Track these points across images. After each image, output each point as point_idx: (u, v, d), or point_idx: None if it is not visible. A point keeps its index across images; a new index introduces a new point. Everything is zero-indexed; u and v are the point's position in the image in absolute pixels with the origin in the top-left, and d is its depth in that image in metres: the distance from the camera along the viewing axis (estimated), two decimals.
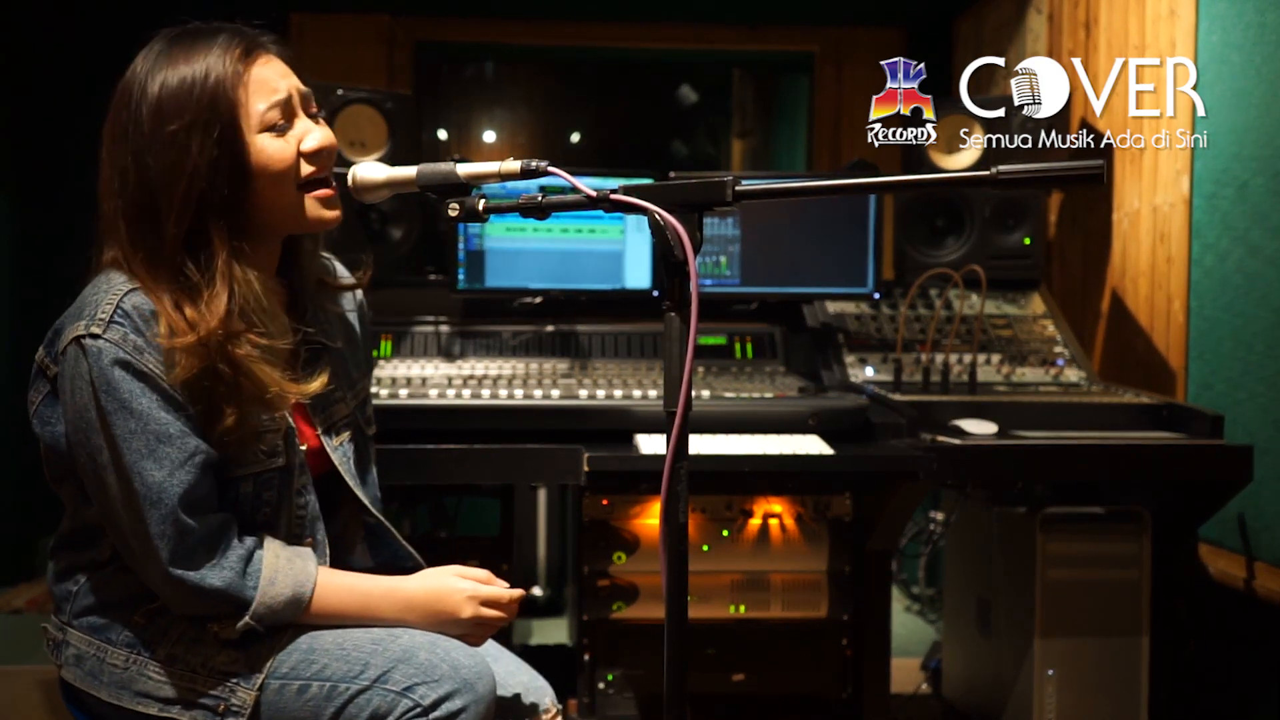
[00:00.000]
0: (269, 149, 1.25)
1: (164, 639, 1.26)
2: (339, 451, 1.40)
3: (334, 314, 1.46)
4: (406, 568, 1.45)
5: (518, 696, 1.38)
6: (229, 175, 1.22)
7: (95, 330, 1.17)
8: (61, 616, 1.31)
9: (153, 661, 1.25)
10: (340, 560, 1.41)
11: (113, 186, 1.26)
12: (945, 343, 2.30)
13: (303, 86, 1.30)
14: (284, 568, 1.25)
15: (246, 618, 1.22)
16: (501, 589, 1.34)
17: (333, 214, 1.32)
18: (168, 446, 1.19)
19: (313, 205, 1.30)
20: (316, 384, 1.32)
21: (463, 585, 1.32)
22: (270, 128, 1.25)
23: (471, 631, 1.31)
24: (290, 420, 1.32)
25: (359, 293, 1.54)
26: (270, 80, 1.26)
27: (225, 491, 1.27)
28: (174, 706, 1.24)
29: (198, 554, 1.20)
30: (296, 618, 1.25)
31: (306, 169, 1.29)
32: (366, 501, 1.43)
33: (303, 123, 1.29)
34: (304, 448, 1.34)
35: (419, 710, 1.19)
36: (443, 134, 5.85)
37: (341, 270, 1.52)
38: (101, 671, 1.27)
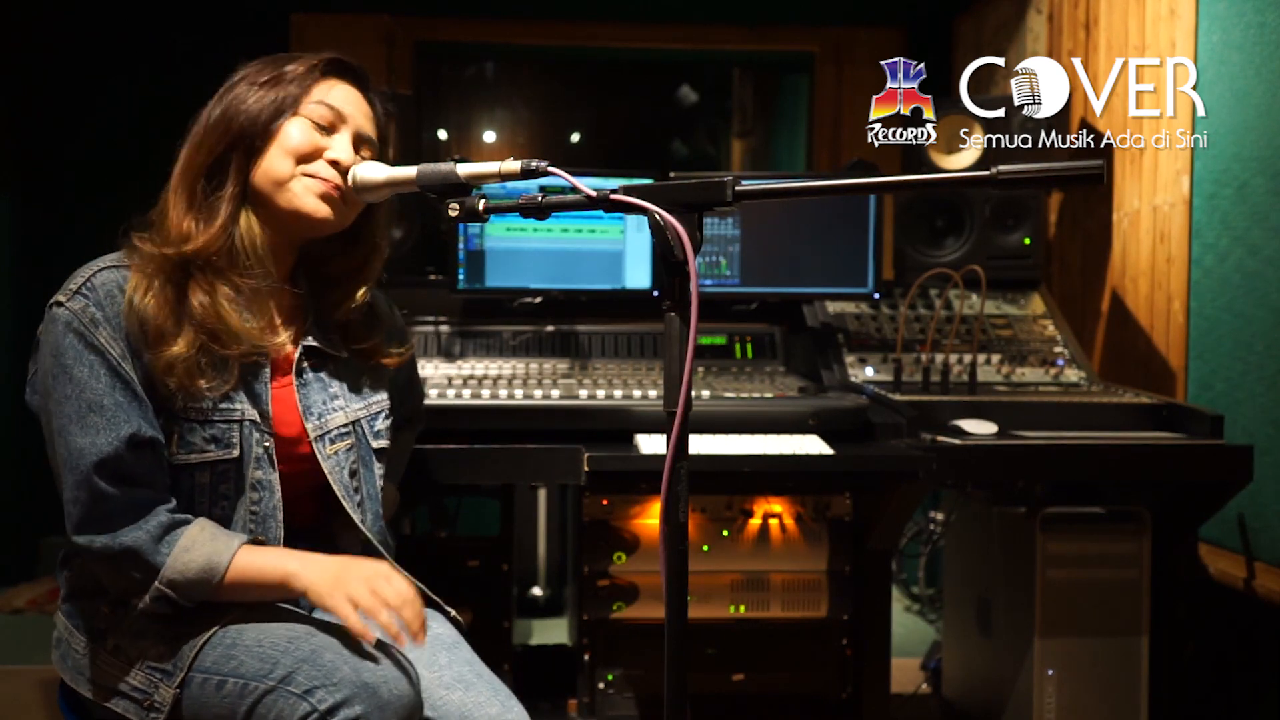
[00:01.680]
0: (296, 131, 1.31)
1: (115, 630, 1.28)
2: (331, 460, 1.38)
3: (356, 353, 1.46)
4: None
5: None
6: (263, 129, 1.30)
7: (61, 299, 1.24)
8: (59, 601, 1.37)
9: (103, 651, 1.29)
10: None
11: (188, 141, 1.33)
12: (945, 343, 2.30)
13: (369, 131, 1.38)
14: (204, 540, 1.25)
15: (156, 582, 1.22)
16: (412, 594, 1.27)
17: (314, 204, 1.32)
18: (96, 416, 1.22)
19: (299, 186, 1.31)
20: (280, 339, 1.34)
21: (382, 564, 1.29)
22: (312, 119, 1.32)
23: (360, 591, 1.23)
24: (250, 410, 1.31)
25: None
26: (341, 96, 1.35)
27: (181, 481, 1.28)
28: (114, 698, 1.27)
29: (113, 519, 1.22)
30: (212, 590, 1.24)
31: (318, 164, 1.32)
32: (356, 518, 1.41)
33: (344, 140, 1.34)
34: (266, 444, 1.32)
35: (315, 715, 1.16)
36: (443, 134, 5.85)
37: (397, 330, 1.56)
38: (68, 656, 1.32)
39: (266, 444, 1.33)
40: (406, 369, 1.64)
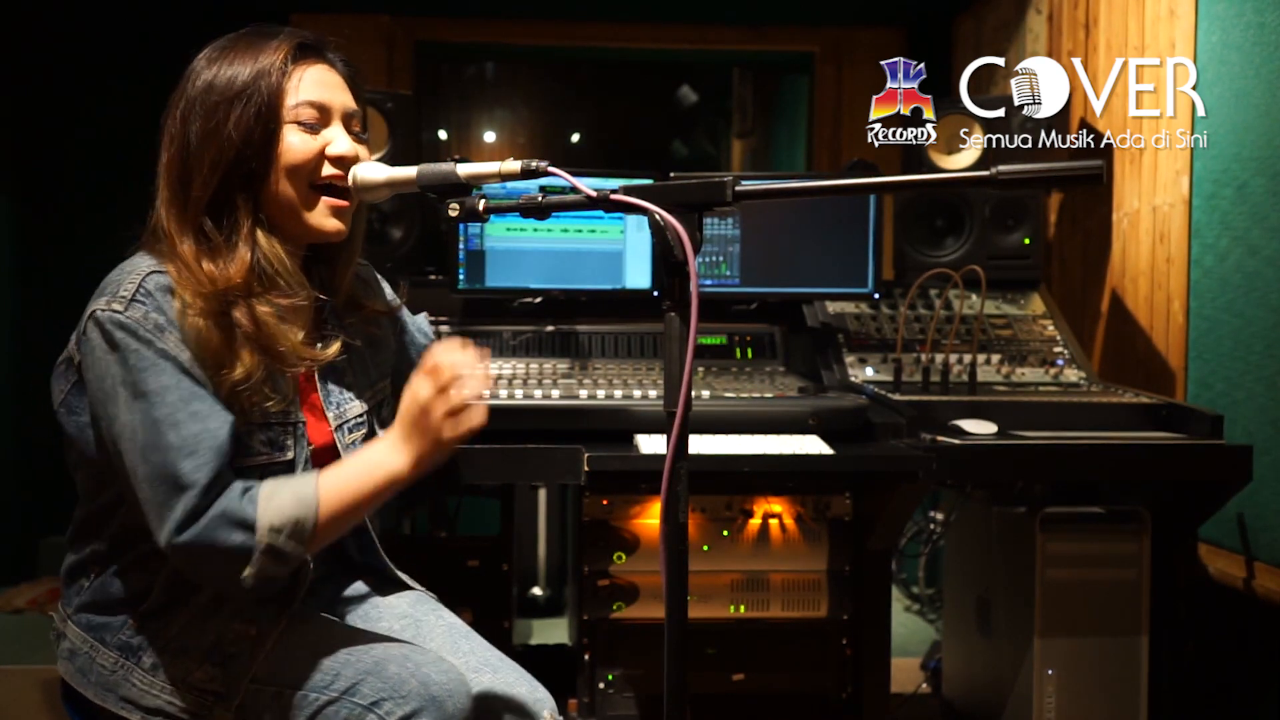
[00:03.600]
0: (294, 142, 1.29)
1: (152, 647, 1.26)
2: (349, 450, 1.40)
3: (361, 324, 1.46)
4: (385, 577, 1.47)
5: (519, 708, 1.36)
6: (258, 151, 1.26)
7: (117, 307, 1.19)
8: (66, 608, 1.32)
9: (138, 669, 1.26)
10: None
11: (162, 151, 1.30)
12: (945, 343, 2.30)
13: (351, 104, 1.35)
14: (281, 485, 1.22)
15: (257, 536, 1.16)
16: (445, 374, 1.24)
17: (334, 224, 1.33)
18: (200, 404, 1.18)
19: (320, 210, 1.32)
20: (331, 350, 1.33)
21: (420, 395, 1.24)
22: (301, 123, 1.29)
23: (447, 428, 1.23)
24: (300, 414, 1.32)
25: (404, 313, 1.60)
26: (316, 83, 1.32)
27: None
28: (155, 717, 1.24)
29: (220, 489, 1.18)
30: (312, 526, 1.20)
31: (328, 170, 1.31)
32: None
33: (336, 130, 1.32)
34: (311, 446, 1.34)
35: None
36: (443, 134, 5.85)
37: (388, 292, 1.56)
38: (90, 670, 1.27)
39: (310, 446, 1.34)
40: (405, 326, 1.62)
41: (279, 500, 1.19)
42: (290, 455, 1.31)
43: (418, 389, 1.24)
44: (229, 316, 1.23)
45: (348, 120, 1.34)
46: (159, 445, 1.16)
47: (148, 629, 1.27)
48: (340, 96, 1.34)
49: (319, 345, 1.35)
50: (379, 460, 1.26)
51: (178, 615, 1.28)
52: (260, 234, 1.27)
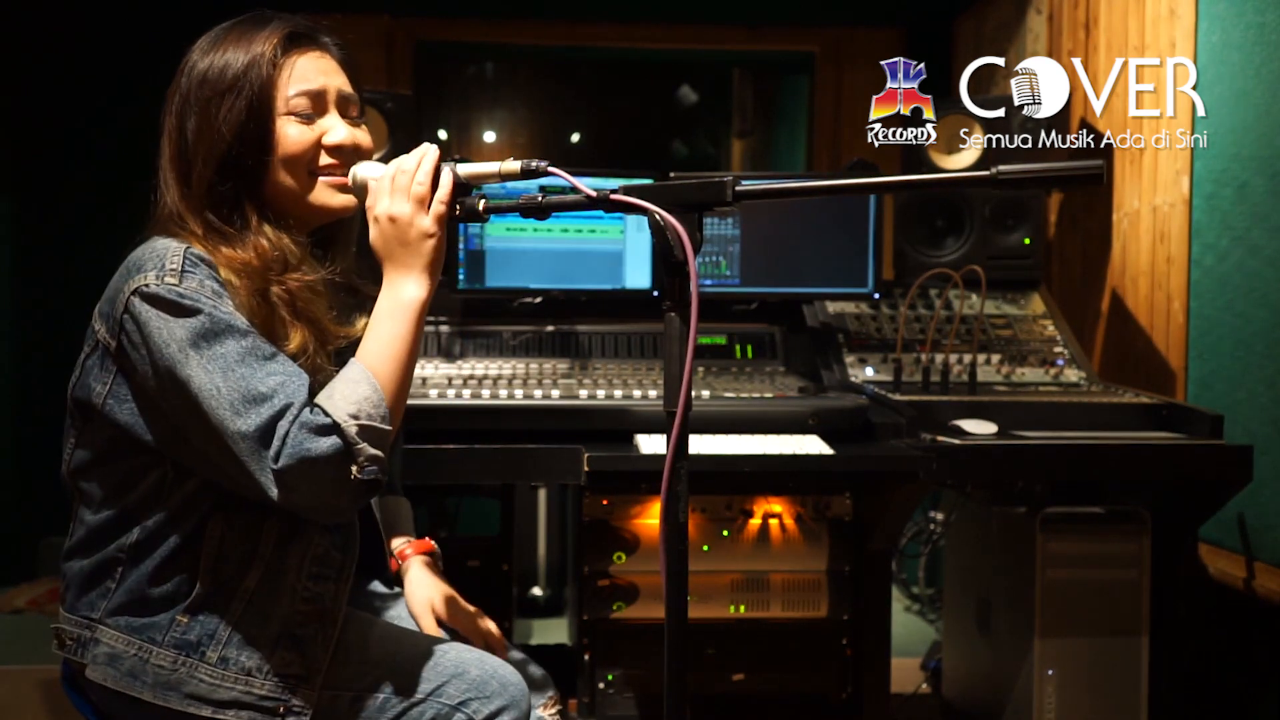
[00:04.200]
0: (290, 133, 1.27)
1: (213, 640, 1.24)
2: None
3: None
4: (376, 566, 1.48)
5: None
6: (253, 146, 1.25)
7: (170, 280, 1.17)
8: (91, 614, 1.27)
9: (203, 664, 1.23)
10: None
11: (162, 146, 1.29)
12: (945, 343, 2.30)
13: (347, 88, 1.33)
14: (332, 384, 1.19)
15: (344, 430, 1.13)
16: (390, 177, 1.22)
17: (340, 200, 1.30)
18: (275, 363, 1.16)
19: (322, 188, 1.30)
20: (360, 325, 1.30)
21: (378, 209, 1.22)
22: (296, 114, 1.27)
23: (417, 213, 1.20)
24: None
25: None
26: (309, 70, 1.29)
27: None
28: (229, 710, 1.22)
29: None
30: (376, 389, 1.17)
31: (325, 160, 1.30)
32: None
33: (333, 118, 1.31)
34: None
35: None
36: (443, 134, 5.85)
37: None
38: (144, 672, 1.23)
39: None
40: None
41: (339, 391, 1.17)
42: None
43: (373, 207, 1.22)
44: (268, 294, 1.22)
45: (344, 105, 1.32)
46: (247, 393, 1.13)
47: (202, 624, 1.24)
48: (335, 81, 1.31)
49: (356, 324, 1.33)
50: (393, 301, 1.22)
51: (231, 606, 1.25)
52: (267, 227, 1.26)
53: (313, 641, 1.25)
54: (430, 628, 1.42)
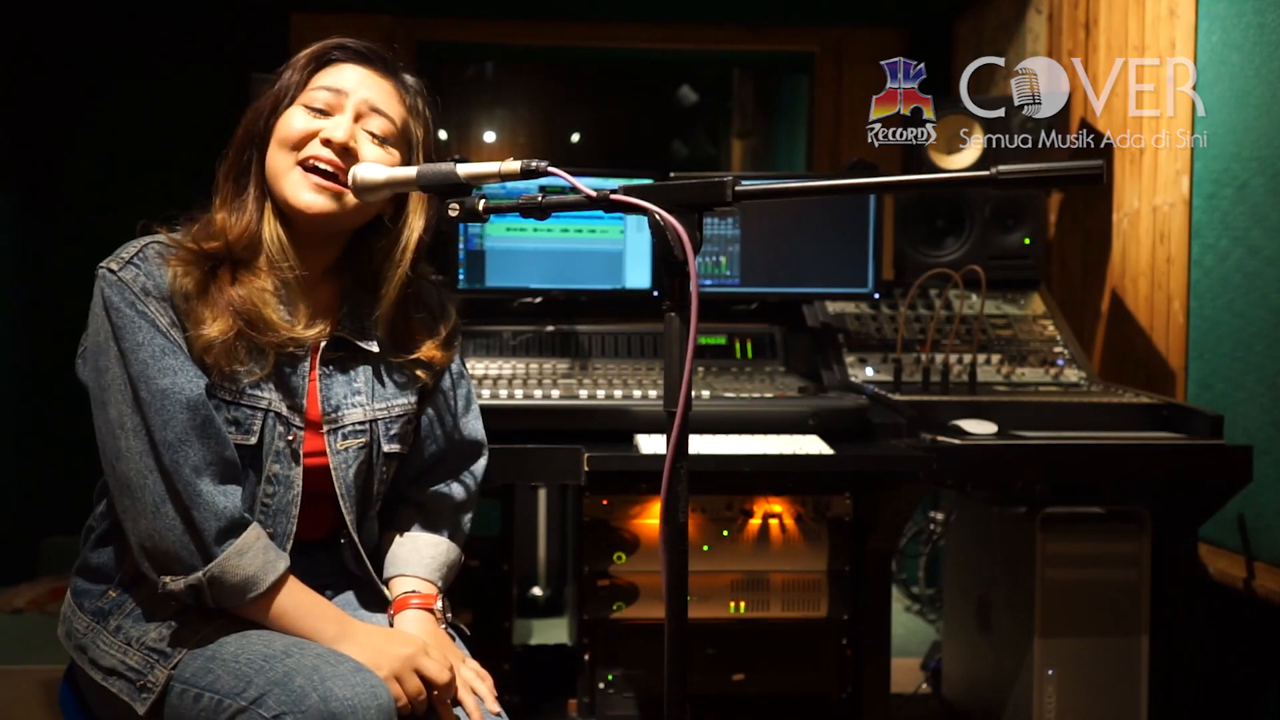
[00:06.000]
0: (294, 116, 1.32)
1: (118, 611, 1.30)
2: (339, 455, 1.36)
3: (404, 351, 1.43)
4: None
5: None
6: (265, 121, 1.33)
7: (114, 266, 1.26)
8: (73, 577, 1.39)
9: (104, 631, 1.30)
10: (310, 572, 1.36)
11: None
12: (945, 343, 2.30)
13: (378, 100, 1.35)
14: (259, 549, 1.26)
15: (200, 573, 1.22)
16: (449, 670, 1.30)
17: (308, 198, 1.30)
18: (172, 359, 1.24)
19: (296, 179, 1.30)
20: (312, 332, 1.33)
21: (420, 640, 1.31)
22: (311, 106, 1.32)
23: (403, 671, 1.25)
24: (276, 399, 1.31)
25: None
26: (346, 73, 1.35)
27: None
28: (111, 677, 1.27)
29: (201, 465, 1.23)
30: (243, 601, 1.24)
31: (312, 149, 1.31)
32: (349, 519, 1.38)
33: (343, 119, 1.32)
34: (290, 438, 1.32)
35: None
36: (443, 134, 5.85)
37: (446, 325, 1.47)
38: (70, 634, 1.34)
39: (291, 438, 1.32)
40: (447, 391, 1.51)
41: (245, 560, 1.24)
42: (254, 440, 1.29)
43: (444, 665, 1.30)
44: (222, 280, 1.28)
45: (364, 111, 1.33)
46: (149, 388, 1.22)
47: (117, 599, 1.31)
48: (363, 92, 1.33)
49: (310, 330, 1.34)
50: (339, 627, 1.29)
51: (143, 585, 1.30)
52: (268, 208, 1.32)
53: (185, 627, 1.27)
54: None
